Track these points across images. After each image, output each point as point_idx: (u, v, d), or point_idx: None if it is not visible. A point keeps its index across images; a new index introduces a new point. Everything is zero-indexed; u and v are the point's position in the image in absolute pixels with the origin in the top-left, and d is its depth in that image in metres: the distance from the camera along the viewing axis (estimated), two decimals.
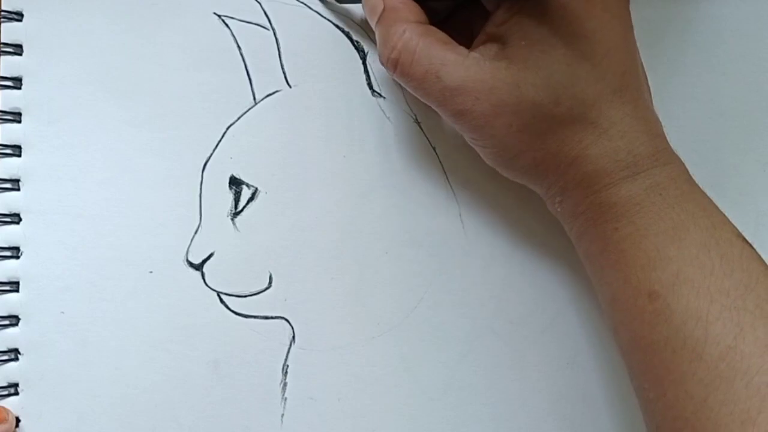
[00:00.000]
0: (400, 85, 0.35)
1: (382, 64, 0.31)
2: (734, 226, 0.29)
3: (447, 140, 0.36)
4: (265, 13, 0.35)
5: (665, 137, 0.30)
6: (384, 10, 0.31)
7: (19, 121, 0.34)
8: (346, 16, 0.35)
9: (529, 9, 0.28)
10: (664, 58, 0.31)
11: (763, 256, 0.32)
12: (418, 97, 0.31)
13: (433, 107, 0.31)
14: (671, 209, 0.28)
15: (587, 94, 0.29)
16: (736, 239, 0.28)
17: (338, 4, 0.35)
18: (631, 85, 0.29)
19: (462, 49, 0.30)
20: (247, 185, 0.34)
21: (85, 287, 0.33)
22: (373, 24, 0.32)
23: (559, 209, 0.32)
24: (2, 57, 0.34)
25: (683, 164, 0.30)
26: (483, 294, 0.35)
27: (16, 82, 0.34)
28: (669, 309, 0.27)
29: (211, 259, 0.34)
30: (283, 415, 0.34)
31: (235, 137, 0.35)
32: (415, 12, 0.31)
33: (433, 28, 0.31)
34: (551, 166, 0.30)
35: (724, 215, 0.29)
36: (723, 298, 0.27)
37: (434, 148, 0.36)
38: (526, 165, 0.31)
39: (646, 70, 0.31)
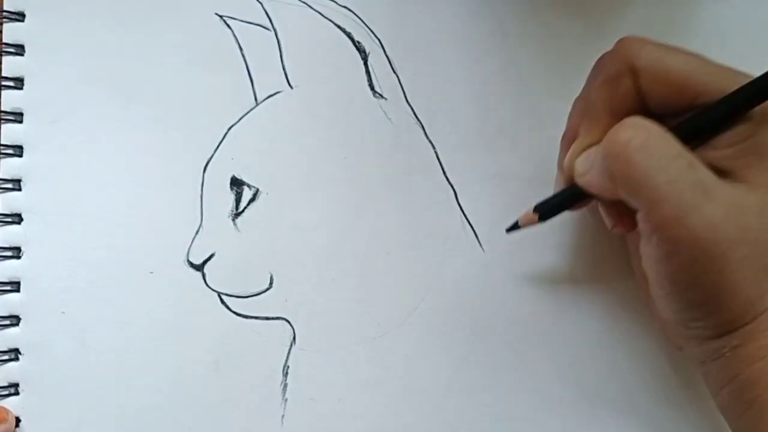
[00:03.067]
0: (401, 85, 0.36)
1: (610, 154, 0.27)
2: None
3: (447, 141, 0.36)
4: (267, 13, 0.35)
5: None
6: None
7: (21, 122, 0.34)
8: (349, 17, 0.35)
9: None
10: None
11: None
12: (622, 190, 0.28)
13: (642, 218, 0.28)
14: None
15: None
16: None
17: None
18: None
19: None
20: (248, 186, 0.34)
21: (86, 287, 0.33)
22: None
23: (728, 353, 0.28)
24: (4, 57, 0.34)
25: None
26: (483, 295, 0.35)
27: (18, 83, 0.34)
28: None
29: (212, 259, 0.34)
30: (283, 416, 0.34)
31: (237, 138, 0.35)
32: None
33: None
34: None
35: None
36: None
37: (435, 149, 0.36)
38: (739, 305, 0.27)
39: None
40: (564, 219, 0.33)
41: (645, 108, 0.29)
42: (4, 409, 0.32)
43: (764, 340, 0.27)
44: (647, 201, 0.27)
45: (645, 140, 0.27)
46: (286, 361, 0.34)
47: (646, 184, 0.26)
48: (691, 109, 0.28)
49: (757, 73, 0.27)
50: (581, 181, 0.30)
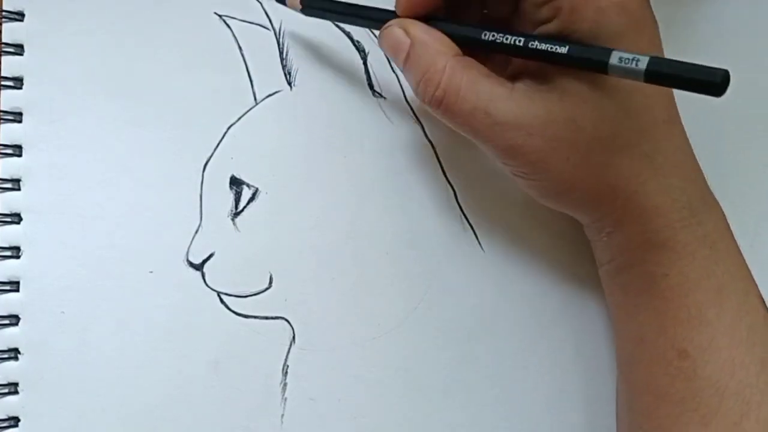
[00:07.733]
0: (400, 85, 0.36)
1: (422, 101, 0.30)
2: (759, 290, 0.30)
3: (447, 140, 0.36)
4: (266, 13, 0.35)
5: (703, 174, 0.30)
6: (412, 45, 0.29)
7: (20, 121, 0.34)
8: None
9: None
10: None
11: (764, 258, 0.32)
12: (462, 133, 0.30)
13: (479, 143, 0.30)
14: (717, 267, 0.29)
15: (642, 125, 0.28)
16: (761, 307, 0.29)
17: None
18: (677, 118, 0.30)
19: (505, 82, 0.28)
20: (248, 185, 0.34)
21: (85, 287, 0.33)
22: (399, 61, 0.30)
23: (605, 239, 0.31)
24: (3, 57, 0.34)
25: (720, 206, 0.30)
26: (483, 294, 0.35)
27: (17, 82, 0.34)
28: (694, 372, 0.28)
29: (212, 259, 0.34)
30: (283, 416, 0.34)
31: (236, 137, 0.35)
32: (447, 44, 0.29)
33: (473, 60, 0.29)
34: (607, 198, 0.29)
35: (751, 275, 0.30)
36: (742, 373, 0.28)
37: (434, 149, 0.36)
38: (579, 197, 0.30)
39: None
40: (563, 220, 0.33)
41: None
42: None
43: (631, 233, 0.29)
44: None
45: (442, 96, 0.29)
46: (286, 360, 0.34)
47: (457, 126, 0.30)
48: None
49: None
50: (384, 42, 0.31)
